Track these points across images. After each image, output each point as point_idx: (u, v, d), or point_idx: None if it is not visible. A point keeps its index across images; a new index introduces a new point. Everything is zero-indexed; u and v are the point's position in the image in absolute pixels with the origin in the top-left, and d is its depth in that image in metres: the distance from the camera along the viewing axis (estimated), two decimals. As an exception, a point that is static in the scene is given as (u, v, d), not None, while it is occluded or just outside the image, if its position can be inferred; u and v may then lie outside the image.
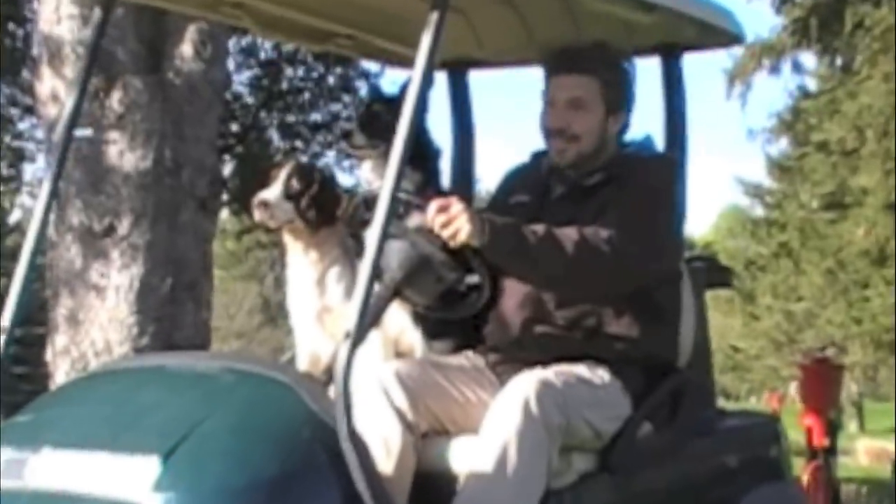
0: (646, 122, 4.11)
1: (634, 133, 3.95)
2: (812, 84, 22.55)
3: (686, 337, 3.95)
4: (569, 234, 3.47)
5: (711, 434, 4.21)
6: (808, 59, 20.77)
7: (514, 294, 3.71)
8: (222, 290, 32.83)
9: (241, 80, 16.11)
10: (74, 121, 3.61)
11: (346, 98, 16.04)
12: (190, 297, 7.11)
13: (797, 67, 20.87)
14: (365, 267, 3.04)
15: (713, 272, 4.51)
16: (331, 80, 16.11)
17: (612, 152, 3.82)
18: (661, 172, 3.82)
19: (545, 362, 3.58)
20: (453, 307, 3.63)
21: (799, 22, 17.76)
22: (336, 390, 2.97)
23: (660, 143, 4.13)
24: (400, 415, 3.47)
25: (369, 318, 3.15)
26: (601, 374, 3.64)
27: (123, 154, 6.93)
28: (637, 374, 3.71)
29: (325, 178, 4.13)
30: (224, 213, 16.76)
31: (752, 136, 24.05)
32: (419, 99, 3.09)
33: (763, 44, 19.70)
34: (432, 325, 3.87)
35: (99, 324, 6.87)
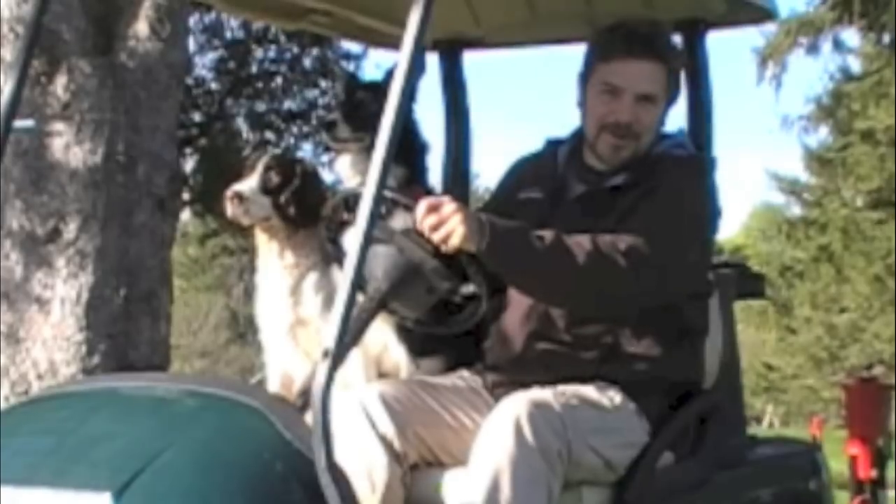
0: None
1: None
2: (855, 65, 22.64)
3: (712, 354, 3.93)
4: (581, 244, 3.45)
5: (741, 465, 4.17)
6: (851, 36, 20.84)
7: (517, 306, 3.70)
8: (184, 302, 32.80)
9: (204, 63, 16.15)
10: (13, 110, 3.61)
11: (324, 83, 16.08)
12: (146, 311, 7.11)
13: (838, 45, 20.97)
14: (346, 275, 3.00)
15: (743, 280, 4.48)
16: (306, 62, 16.16)
17: (646, 145, 3.81)
18: (695, 177, 3.80)
19: (551, 384, 3.56)
20: (446, 321, 3.61)
21: (840, -6, 17.79)
22: (313, 416, 2.94)
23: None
24: (385, 443, 3.46)
25: (351, 334, 3.14)
26: (611, 396, 3.61)
27: (70, 147, 6.93)
28: (655, 396, 3.69)
29: (308, 172, 4.14)
30: (185, 215, 16.78)
31: (788, 124, 24.16)
32: (407, 84, 3.08)
33: (799, 19, 19.77)
34: (420, 341, 3.85)
35: (42, 341, 6.87)
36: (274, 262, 4.10)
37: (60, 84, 6.94)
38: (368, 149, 3.15)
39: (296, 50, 15.97)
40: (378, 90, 3.73)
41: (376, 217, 3.06)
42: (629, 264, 3.47)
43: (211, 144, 16.11)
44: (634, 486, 3.59)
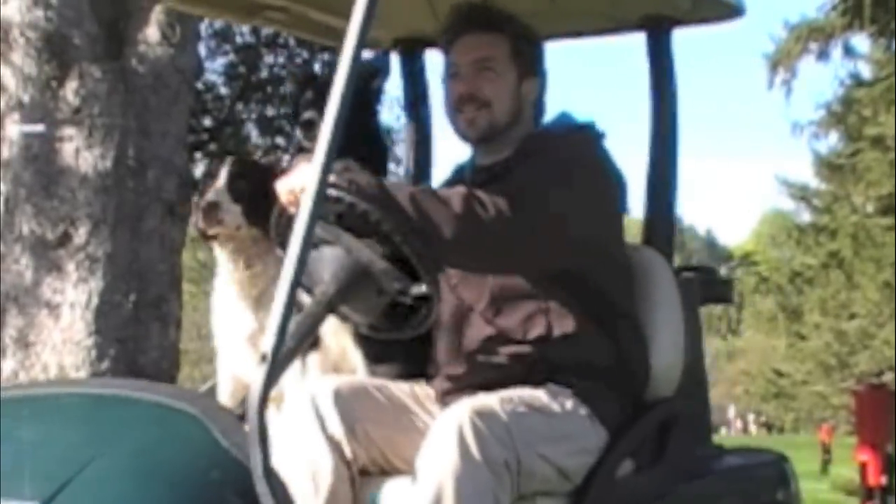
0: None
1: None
2: (866, 70, 22.58)
3: (674, 359, 3.80)
4: (457, 190, 3.36)
5: (706, 475, 4.05)
6: (862, 41, 20.82)
7: (453, 312, 3.62)
8: (193, 307, 32.78)
9: (214, 68, 16.15)
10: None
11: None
12: (156, 315, 7.12)
13: (849, 51, 20.94)
14: (286, 273, 2.90)
15: (709, 285, 4.38)
16: (316, 67, 16.13)
17: (528, 129, 3.73)
18: (578, 146, 3.68)
19: (501, 386, 3.43)
20: (401, 326, 3.41)
21: None
22: (249, 422, 2.85)
23: (644, 133, 4.06)
24: (333, 444, 3.38)
25: (296, 337, 3.04)
26: (563, 401, 3.47)
27: (80, 152, 6.94)
28: (611, 402, 3.56)
29: (272, 175, 4.04)
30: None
31: (798, 130, 24.12)
32: (349, 82, 2.98)
33: (809, 24, 19.77)
34: (376, 348, 3.77)
35: (52, 346, 6.87)
36: (239, 272, 4.01)
37: (71, 89, 6.96)
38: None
39: (306, 55, 15.97)
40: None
41: (317, 215, 2.97)
42: (508, 204, 3.35)
43: (221, 149, 16.11)
44: (592, 495, 3.44)
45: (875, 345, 26.01)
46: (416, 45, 4.42)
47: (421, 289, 3.29)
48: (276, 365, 2.88)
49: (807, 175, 28.11)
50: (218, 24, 15.34)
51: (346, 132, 3.04)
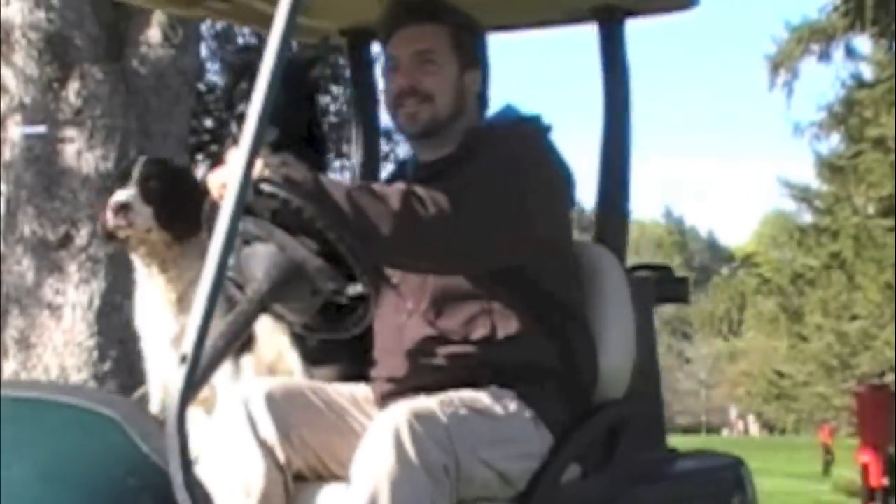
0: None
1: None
2: (867, 72, 22.62)
3: (624, 360, 3.66)
4: (396, 187, 3.25)
5: (658, 480, 3.93)
6: (863, 43, 20.84)
7: (393, 312, 3.53)
8: (194, 308, 32.82)
9: (215, 69, 16.16)
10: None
11: (336, 90, 16.07)
12: (157, 317, 7.12)
13: (850, 53, 20.99)
14: (208, 271, 2.78)
15: (665, 284, 4.25)
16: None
17: (472, 123, 3.64)
18: (526, 141, 3.56)
19: (443, 388, 3.32)
20: (335, 326, 3.28)
21: (852, 0, 17.79)
22: (168, 427, 2.72)
23: (596, 128, 3.95)
24: (266, 449, 3.27)
25: (227, 336, 2.96)
26: (506, 404, 3.35)
27: (81, 154, 6.94)
28: (557, 404, 3.45)
29: (188, 178, 3.92)
30: (196, 221, 16.75)
31: (799, 131, 24.17)
32: (275, 72, 2.89)
33: (811, 26, 19.79)
34: (314, 350, 3.67)
35: (53, 347, 6.87)
36: (155, 276, 3.92)
37: (73, 90, 6.96)
38: (270, 144, 3.03)
39: (307, 56, 16.01)
40: (287, 82, 3.35)
41: (241, 208, 2.88)
42: (449, 205, 3.24)
43: (222, 150, 16.11)
44: (535, 501, 3.32)
45: (876, 346, 26.01)
46: (363, 36, 4.29)
47: (357, 289, 3.16)
48: (198, 366, 2.76)
49: (808, 176, 28.22)
50: (219, 25, 15.36)
51: (284, 124, 2.94)
